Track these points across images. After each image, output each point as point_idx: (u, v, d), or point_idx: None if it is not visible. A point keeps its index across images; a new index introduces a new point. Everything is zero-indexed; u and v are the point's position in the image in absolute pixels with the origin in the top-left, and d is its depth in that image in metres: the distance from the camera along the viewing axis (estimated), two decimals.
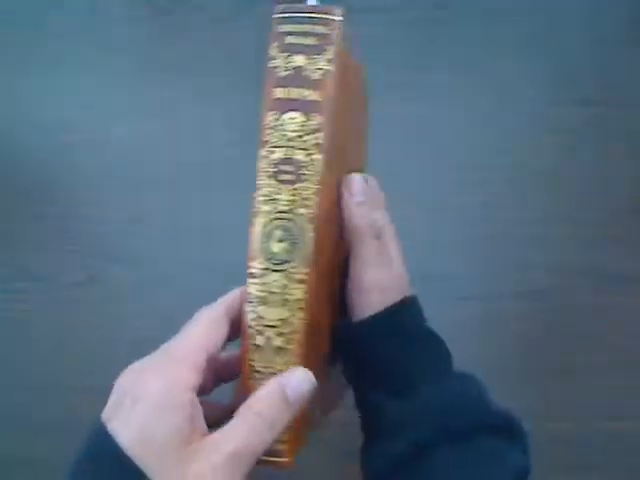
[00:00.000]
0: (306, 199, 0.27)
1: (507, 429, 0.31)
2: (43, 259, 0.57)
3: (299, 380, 0.27)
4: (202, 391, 0.28)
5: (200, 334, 0.28)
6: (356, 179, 0.32)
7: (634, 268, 0.56)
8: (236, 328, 0.29)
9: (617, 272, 0.55)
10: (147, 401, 0.24)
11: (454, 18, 0.63)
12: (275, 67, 0.28)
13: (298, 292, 0.27)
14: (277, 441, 0.27)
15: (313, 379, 0.27)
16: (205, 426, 0.26)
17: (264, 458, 0.27)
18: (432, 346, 0.33)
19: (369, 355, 0.32)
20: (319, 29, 0.27)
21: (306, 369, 0.27)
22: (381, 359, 0.32)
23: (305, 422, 0.30)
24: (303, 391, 0.26)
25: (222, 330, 0.28)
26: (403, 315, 0.33)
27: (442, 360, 0.33)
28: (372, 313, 0.31)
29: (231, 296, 0.30)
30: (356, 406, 0.34)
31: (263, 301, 0.28)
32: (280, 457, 0.27)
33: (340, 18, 0.27)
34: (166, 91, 0.62)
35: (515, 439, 0.31)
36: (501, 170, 0.58)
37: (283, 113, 0.27)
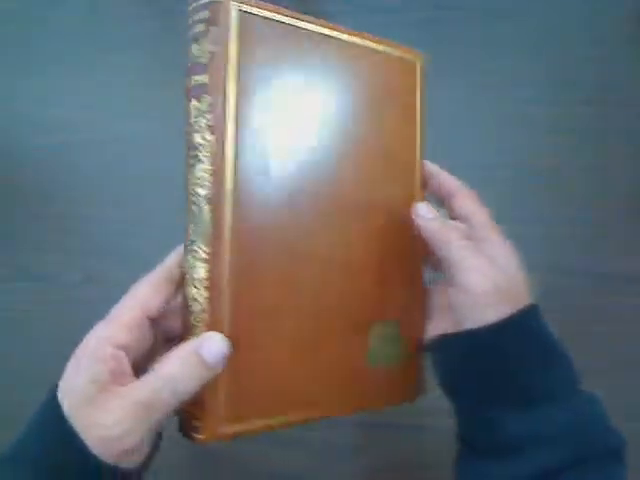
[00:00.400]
0: (201, 179, 0.28)
1: (621, 451, 0.30)
2: (43, 259, 0.57)
3: (213, 343, 0.27)
4: (156, 344, 0.30)
5: (136, 295, 0.29)
6: (419, 205, 0.34)
7: (634, 268, 0.56)
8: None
9: (617, 272, 0.55)
10: (78, 359, 0.27)
11: (454, 18, 0.63)
12: (188, 61, 0.29)
13: (202, 271, 0.28)
14: (196, 418, 0.27)
15: (228, 345, 0.27)
16: (131, 380, 0.27)
17: (184, 431, 0.28)
18: (561, 358, 0.32)
19: (487, 365, 0.30)
20: (204, 14, 0.28)
21: (222, 335, 0.27)
22: (503, 370, 0.30)
23: (232, 406, 0.28)
24: (217, 353, 0.27)
25: (162, 289, 0.29)
26: (527, 323, 0.31)
27: (571, 374, 0.32)
28: (490, 320, 0.30)
29: (170, 258, 0.31)
30: (459, 416, 0.33)
31: (185, 281, 0.29)
32: (197, 433, 0.28)
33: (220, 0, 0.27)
34: (166, 91, 0.62)
35: (624, 459, 0.30)
36: (501, 170, 0.58)
37: (189, 102, 0.28)
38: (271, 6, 0.29)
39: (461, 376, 0.32)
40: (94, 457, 0.25)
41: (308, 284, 0.31)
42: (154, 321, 0.29)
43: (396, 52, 0.36)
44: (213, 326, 0.28)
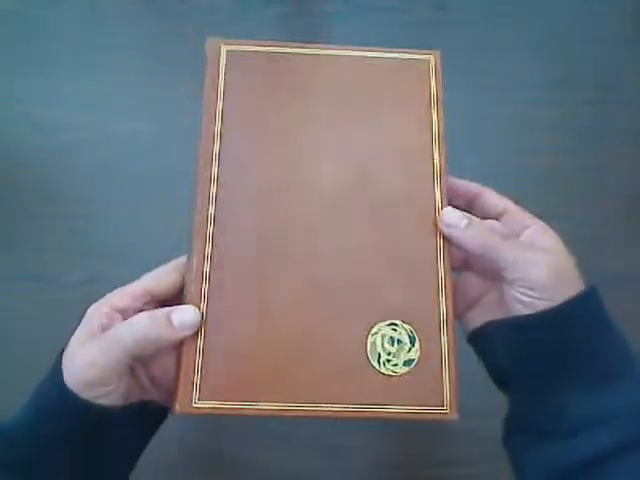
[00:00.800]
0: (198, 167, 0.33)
1: None
2: (43, 259, 0.57)
3: (184, 311, 0.30)
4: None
5: (146, 275, 0.33)
6: (445, 212, 0.33)
7: (634, 268, 0.56)
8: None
9: (617, 272, 0.55)
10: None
11: (453, 19, 0.63)
12: None
13: (188, 255, 0.32)
14: (176, 389, 0.30)
15: (198, 316, 0.30)
16: None
17: (170, 401, 0.31)
18: (619, 339, 0.31)
19: (554, 348, 0.30)
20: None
21: (194, 307, 0.31)
22: (570, 352, 0.30)
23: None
24: (185, 319, 0.30)
25: (170, 275, 0.32)
26: (591, 303, 0.31)
27: (630, 355, 0.31)
28: (551, 305, 0.29)
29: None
30: (517, 404, 0.32)
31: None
32: (175, 404, 0.30)
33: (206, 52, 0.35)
34: (166, 91, 0.62)
35: None
36: (501, 170, 0.58)
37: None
38: (253, 41, 0.35)
39: (524, 361, 0.31)
40: (72, 394, 0.28)
41: (292, 272, 0.32)
42: (166, 303, 0.32)
43: (399, 57, 0.36)
44: (189, 302, 0.31)
